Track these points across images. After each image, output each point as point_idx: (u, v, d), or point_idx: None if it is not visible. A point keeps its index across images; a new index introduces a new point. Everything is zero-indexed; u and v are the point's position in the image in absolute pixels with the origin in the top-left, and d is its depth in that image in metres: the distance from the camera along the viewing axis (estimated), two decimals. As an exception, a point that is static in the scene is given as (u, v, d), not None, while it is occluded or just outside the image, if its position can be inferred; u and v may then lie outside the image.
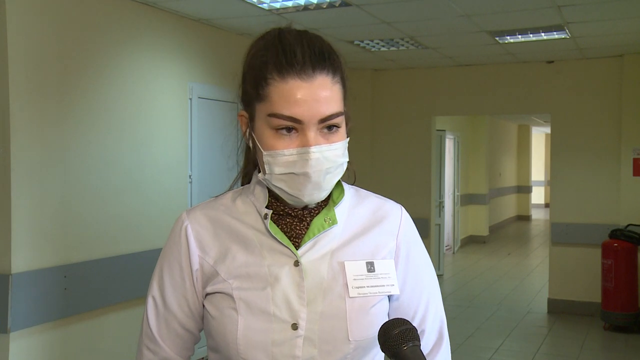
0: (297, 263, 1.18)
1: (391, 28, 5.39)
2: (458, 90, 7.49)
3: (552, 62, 7.05)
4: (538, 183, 20.36)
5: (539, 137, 20.72)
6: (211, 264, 1.21)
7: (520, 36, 5.74)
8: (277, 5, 4.58)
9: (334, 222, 1.21)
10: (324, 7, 4.63)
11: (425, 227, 7.62)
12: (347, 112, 1.19)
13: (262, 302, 1.16)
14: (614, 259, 6.34)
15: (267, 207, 1.22)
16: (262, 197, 1.22)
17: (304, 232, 1.21)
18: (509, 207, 16.62)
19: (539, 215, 18.56)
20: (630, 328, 6.32)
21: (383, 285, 1.20)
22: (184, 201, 4.96)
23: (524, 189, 17.80)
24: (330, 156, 1.15)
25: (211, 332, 1.20)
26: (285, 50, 1.13)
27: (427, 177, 7.70)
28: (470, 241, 12.94)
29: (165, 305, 1.25)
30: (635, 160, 6.62)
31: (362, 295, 1.18)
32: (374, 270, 1.20)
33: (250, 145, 1.23)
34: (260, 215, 1.22)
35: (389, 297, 1.23)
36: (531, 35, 5.70)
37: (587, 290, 6.92)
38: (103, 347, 4.18)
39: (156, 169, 4.66)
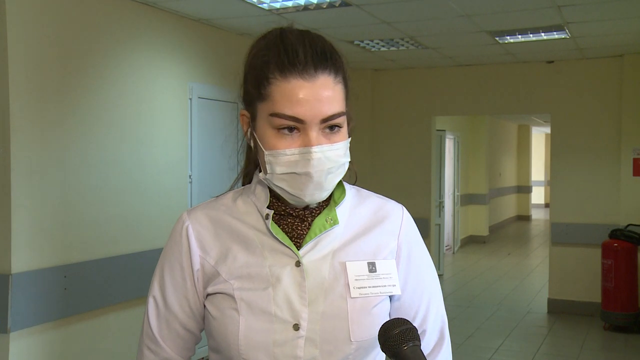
0: (298, 263, 1.18)
1: (391, 28, 5.39)
2: (458, 90, 7.49)
3: (552, 62, 7.05)
4: (538, 183, 20.36)
5: (539, 137, 20.72)
6: (212, 264, 1.21)
7: (520, 36, 5.74)
8: (277, 5, 4.57)
9: (335, 222, 1.21)
10: (324, 7, 4.63)
11: (425, 227, 7.63)
12: (349, 112, 1.19)
13: (264, 302, 1.15)
14: (614, 259, 6.34)
15: (268, 207, 1.21)
16: (263, 197, 1.22)
17: (305, 233, 1.21)
18: (509, 207, 16.62)
19: (539, 215, 18.56)
20: (630, 328, 6.32)
21: (384, 286, 1.20)
22: (184, 201, 4.96)
23: (524, 189, 17.81)
24: (332, 156, 1.14)
25: (212, 333, 1.20)
26: (287, 50, 1.13)
27: (427, 177, 7.70)
28: (470, 241, 12.94)
29: (166, 305, 1.25)
30: (635, 160, 6.62)
31: (363, 296, 1.17)
32: (375, 271, 1.20)
33: (252, 144, 1.23)
34: (261, 215, 1.21)
35: (390, 297, 1.23)
36: (531, 35, 5.70)
37: (587, 290, 6.92)
38: (103, 347, 4.18)
39: (156, 169, 4.66)
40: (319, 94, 1.12)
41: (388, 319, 1.19)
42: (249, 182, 1.30)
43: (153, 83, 4.64)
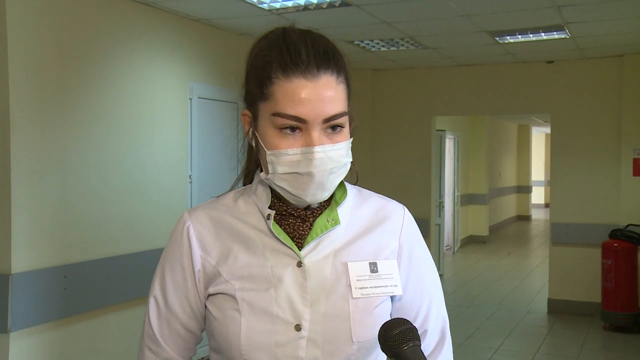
0: (300, 264, 1.17)
1: (391, 28, 5.39)
2: (458, 90, 7.49)
3: (552, 62, 7.05)
4: (538, 183, 20.36)
5: (539, 137, 20.72)
6: (213, 264, 1.21)
7: (520, 36, 5.74)
8: (277, 5, 4.57)
9: (336, 222, 1.20)
10: (324, 7, 4.63)
11: (425, 227, 7.62)
12: (351, 112, 1.19)
13: (265, 303, 1.15)
14: (614, 259, 6.34)
15: (269, 207, 1.21)
16: (264, 197, 1.22)
17: (306, 233, 1.20)
18: (509, 207, 16.62)
19: (539, 215, 18.56)
20: (630, 328, 6.32)
21: (386, 286, 1.20)
22: (184, 201, 4.96)
23: (524, 189, 17.81)
24: (334, 156, 1.14)
25: (213, 333, 1.20)
26: (289, 50, 1.13)
27: (427, 177, 7.70)
28: (470, 241, 12.94)
29: (167, 305, 1.24)
30: (635, 160, 6.62)
31: (365, 296, 1.17)
32: (377, 271, 1.20)
33: (253, 144, 1.23)
34: (262, 215, 1.21)
35: (392, 297, 1.23)
36: (531, 35, 5.70)
37: (587, 290, 6.92)
38: (103, 347, 4.18)
39: (156, 169, 4.66)
40: (322, 93, 1.12)
41: (389, 319, 1.19)
42: (250, 182, 1.29)
43: (153, 83, 4.64)
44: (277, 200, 1.22)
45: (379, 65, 7.44)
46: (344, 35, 5.66)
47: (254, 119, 1.19)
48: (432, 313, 1.27)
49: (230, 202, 1.26)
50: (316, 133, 1.12)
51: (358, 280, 1.18)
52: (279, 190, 1.18)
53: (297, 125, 1.12)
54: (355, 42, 6.00)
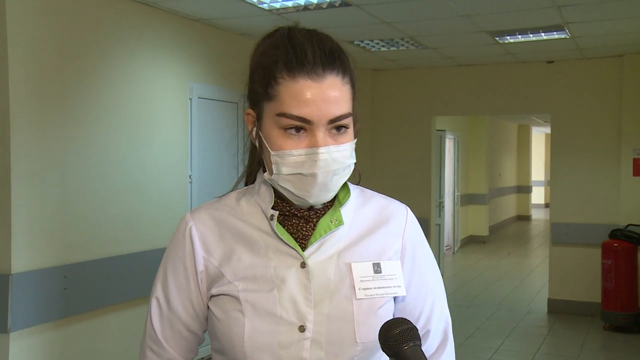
0: (303, 264, 1.17)
1: (391, 28, 5.39)
2: (458, 90, 7.49)
3: (552, 62, 7.05)
4: (538, 183, 20.36)
5: (539, 137, 20.72)
6: (216, 265, 1.20)
7: (520, 36, 5.74)
8: (277, 5, 4.57)
9: (340, 223, 1.20)
10: (324, 7, 4.63)
11: (425, 227, 7.62)
12: (356, 113, 1.18)
13: (269, 304, 1.15)
14: (614, 259, 6.34)
15: (272, 207, 1.20)
16: (267, 198, 1.21)
17: (310, 233, 1.20)
18: (509, 207, 16.62)
19: (539, 215, 18.55)
20: (630, 328, 6.32)
21: (390, 287, 1.19)
22: (184, 201, 4.96)
23: (524, 189, 17.80)
24: (339, 157, 1.14)
25: (216, 334, 1.19)
26: (295, 50, 1.12)
27: (427, 177, 7.70)
28: (470, 241, 12.94)
29: (170, 306, 1.24)
30: (635, 160, 6.62)
31: (369, 297, 1.17)
32: (380, 272, 1.19)
33: (257, 144, 1.22)
34: (265, 216, 1.21)
35: (395, 298, 1.22)
36: (531, 35, 5.70)
37: (587, 290, 6.92)
38: (103, 347, 4.18)
39: (156, 169, 4.66)
40: (327, 94, 1.11)
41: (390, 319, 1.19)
42: (252, 182, 1.29)
43: (153, 83, 4.64)
44: (280, 201, 1.21)
45: (379, 65, 7.43)
46: (344, 35, 5.65)
47: (258, 118, 1.18)
48: (435, 314, 1.27)
49: (233, 202, 1.26)
50: (321, 134, 1.12)
51: (362, 281, 1.17)
52: (282, 191, 1.18)
53: (302, 126, 1.12)
54: (355, 42, 6.00)
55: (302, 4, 4.56)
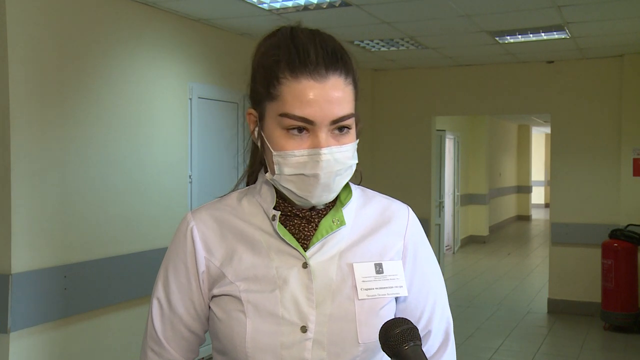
0: (305, 265, 1.17)
1: (391, 28, 5.39)
2: (458, 90, 7.49)
3: (552, 62, 7.05)
4: (538, 183, 20.36)
5: (539, 137, 20.72)
6: (217, 265, 1.20)
7: (520, 36, 5.74)
8: (277, 5, 4.57)
9: (342, 223, 1.20)
10: (324, 7, 4.63)
11: (425, 227, 7.55)
12: (358, 114, 1.18)
13: (271, 304, 1.14)
14: (614, 259, 6.34)
15: (274, 207, 1.20)
16: (269, 198, 1.21)
17: (312, 234, 1.20)
18: (509, 207, 16.62)
19: (539, 215, 18.55)
20: (630, 328, 6.32)
21: (391, 287, 1.19)
22: (184, 201, 4.96)
23: (524, 189, 17.80)
24: (341, 158, 1.13)
25: (218, 335, 1.19)
26: (298, 50, 1.11)
27: (427, 177, 7.70)
28: (470, 241, 12.94)
29: (171, 307, 1.23)
30: (635, 160, 6.62)
31: (370, 297, 1.17)
32: (382, 272, 1.19)
33: (259, 144, 1.21)
34: (267, 216, 1.20)
35: (396, 298, 1.22)
36: (531, 35, 5.70)
37: (587, 290, 6.92)
38: (103, 347, 4.18)
39: (156, 169, 4.66)
40: (330, 95, 1.11)
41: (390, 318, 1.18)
42: (253, 182, 1.28)
43: (153, 83, 4.64)
44: (282, 201, 1.21)
45: (379, 65, 7.43)
46: (344, 35, 5.65)
47: (260, 118, 1.18)
48: (436, 314, 1.27)
49: (234, 202, 1.25)
50: (323, 134, 1.11)
51: (364, 281, 1.17)
52: (284, 192, 1.17)
53: (304, 126, 1.11)
54: (355, 42, 6.00)
55: (302, 4, 4.56)
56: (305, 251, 1.17)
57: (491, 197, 13.88)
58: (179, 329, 1.23)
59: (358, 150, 1.19)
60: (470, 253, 11.74)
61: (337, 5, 4.58)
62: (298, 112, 1.10)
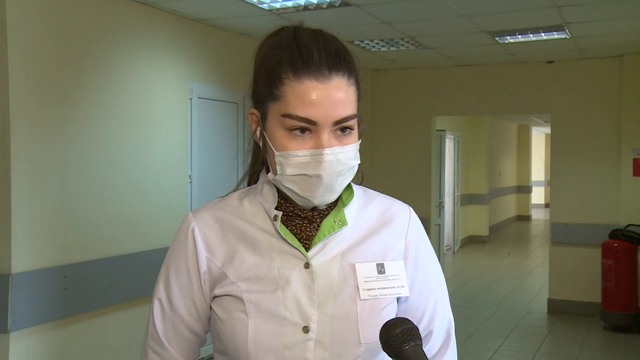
0: (307, 265, 1.16)
1: (391, 28, 5.39)
2: (458, 90, 7.49)
3: (552, 62, 7.05)
4: (538, 183, 20.36)
5: (539, 137, 20.72)
6: (219, 265, 1.20)
7: (520, 36, 5.74)
8: (277, 5, 4.57)
9: (344, 223, 1.20)
10: (324, 7, 4.63)
11: (425, 227, 7.47)
12: (360, 114, 1.17)
13: (273, 304, 1.14)
14: (614, 259, 6.34)
15: (275, 208, 1.20)
16: (271, 198, 1.21)
17: (313, 234, 1.19)
18: (509, 207, 16.62)
19: (539, 215, 18.56)
20: (630, 328, 6.32)
21: (393, 287, 1.19)
22: (184, 201, 4.95)
23: (524, 189, 17.81)
24: (343, 158, 1.13)
25: (219, 335, 1.18)
26: (301, 50, 1.11)
27: (427, 177, 7.70)
28: (470, 241, 12.94)
29: (172, 307, 1.23)
30: (635, 160, 6.62)
31: (372, 298, 1.16)
32: (384, 272, 1.19)
33: (261, 144, 1.21)
34: (269, 216, 1.20)
35: (398, 298, 1.22)
36: (531, 35, 5.70)
37: (587, 290, 6.92)
38: (103, 347, 4.18)
39: (156, 169, 4.66)
40: (332, 95, 1.10)
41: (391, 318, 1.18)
42: (255, 182, 1.28)
43: (153, 83, 4.63)
44: (284, 201, 1.21)
45: (379, 65, 7.43)
46: (344, 35, 5.65)
47: (263, 118, 1.18)
48: (437, 314, 1.27)
49: (236, 202, 1.25)
50: (326, 135, 1.11)
51: (365, 281, 1.17)
52: (286, 192, 1.17)
53: (307, 127, 1.11)
54: (356, 42, 6.00)
55: (302, 4, 4.56)
56: (307, 251, 1.17)
57: (491, 197, 13.88)
58: (180, 329, 1.23)
59: (358, 150, 1.19)
60: (470, 253, 11.74)
61: (337, 5, 4.58)
62: (301, 113, 1.10)
